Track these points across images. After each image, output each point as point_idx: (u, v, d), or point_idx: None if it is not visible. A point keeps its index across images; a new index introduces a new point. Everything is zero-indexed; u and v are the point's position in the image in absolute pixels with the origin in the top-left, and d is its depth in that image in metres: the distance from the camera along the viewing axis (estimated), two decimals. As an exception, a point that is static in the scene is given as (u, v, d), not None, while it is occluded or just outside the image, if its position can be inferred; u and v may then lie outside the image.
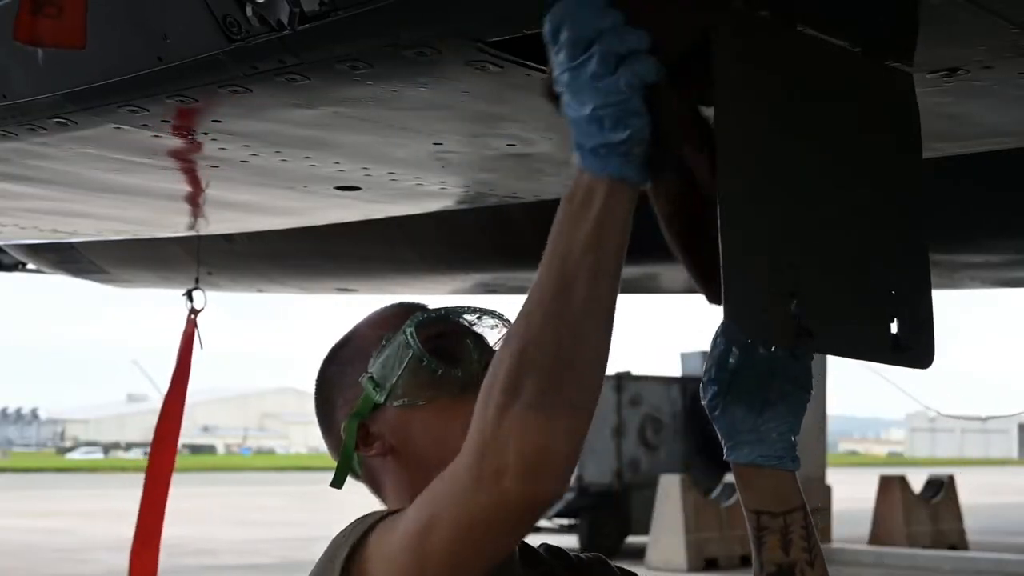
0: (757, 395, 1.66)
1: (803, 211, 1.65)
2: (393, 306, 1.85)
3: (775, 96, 1.66)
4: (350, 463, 1.75)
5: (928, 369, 1.74)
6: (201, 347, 4.86)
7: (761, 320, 1.56)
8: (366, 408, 1.73)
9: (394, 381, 1.72)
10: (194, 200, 3.80)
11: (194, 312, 4.88)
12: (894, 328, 1.70)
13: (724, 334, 1.65)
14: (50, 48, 2.08)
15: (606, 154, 1.38)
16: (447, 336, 1.75)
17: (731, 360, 1.65)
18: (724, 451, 1.71)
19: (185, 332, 4.85)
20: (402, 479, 1.73)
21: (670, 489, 13.77)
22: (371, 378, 1.73)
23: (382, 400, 1.72)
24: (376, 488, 1.78)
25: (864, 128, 1.78)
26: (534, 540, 1.79)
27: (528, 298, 1.40)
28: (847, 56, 1.77)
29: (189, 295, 4.93)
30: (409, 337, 1.73)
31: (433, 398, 1.71)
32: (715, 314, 1.59)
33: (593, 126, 1.37)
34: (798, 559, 1.66)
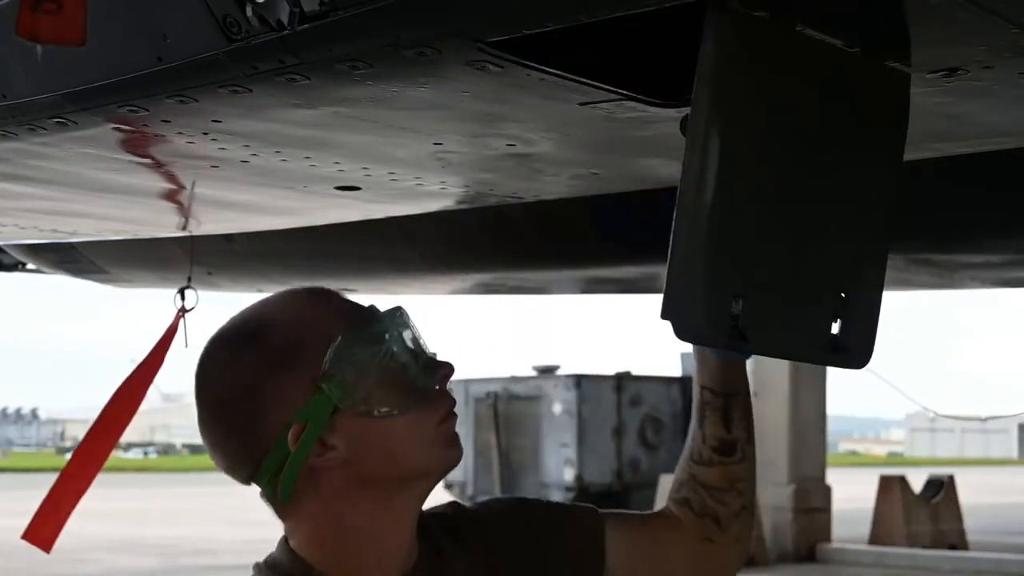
0: None
1: (761, 212, 1.66)
2: (309, 294, 1.65)
3: (749, 95, 1.67)
4: (296, 473, 1.53)
5: (861, 369, 1.76)
6: (186, 346, 4.83)
7: (696, 320, 1.57)
8: (323, 414, 1.53)
9: (367, 387, 1.54)
10: (194, 200, 3.80)
11: (183, 311, 4.86)
12: (835, 329, 1.72)
13: None
14: (49, 44, 2.07)
15: None
16: (420, 342, 1.61)
17: None
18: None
19: (169, 328, 4.82)
20: (337, 496, 1.56)
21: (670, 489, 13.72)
22: (336, 380, 1.53)
23: (342, 406, 1.53)
24: (286, 508, 1.58)
25: (849, 129, 1.78)
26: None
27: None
28: (843, 56, 1.77)
29: (181, 293, 4.92)
30: (399, 340, 1.58)
31: (405, 409, 1.55)
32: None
33: None
34: (739, 437, 1.81)
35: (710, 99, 1.60)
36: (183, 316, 4.78)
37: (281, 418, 1.52)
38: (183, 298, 4.88)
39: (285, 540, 1.61)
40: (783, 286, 1.67)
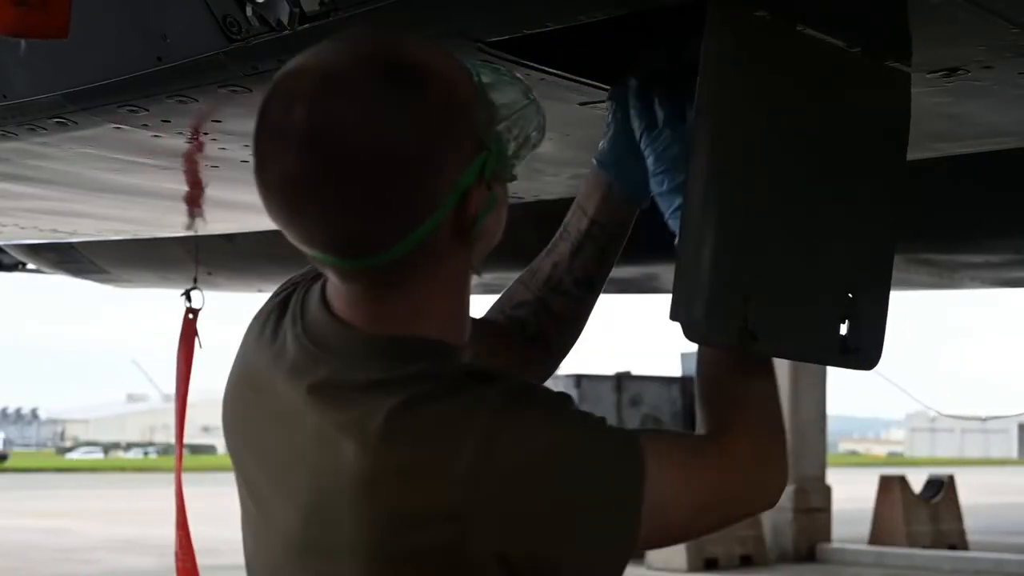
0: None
1: (767, 214, 1.65)
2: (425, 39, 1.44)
3: (751, 95, 1.66)
4: (473, 227, 1.38)
5: (871, 370, 1.76)
6: (200, 347, 4.86)
7: (705, 321, 1.57)
8: (484, 174, 1.38)
9: (514, 150, 1.47)
10: (194, 200, 3.80)
11: (192, 312, 4.87)
12: (844, 330, 1.72)
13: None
14: (34, 39, 2.05)
15: None
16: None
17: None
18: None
19: (184, 332, 4.84)
20: (459, 270, 1.43)
21: (670, 489, 13.72)
22: (495, 140, 1.42)
23: (496, 168, 1.40)
24: (390, 285, 1.40)
25: (852, 129, 1.78)
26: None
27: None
28: (844, 56, 1.77)
29: (187, 295, 4.92)
30: (535, 98, 1.51)
31: (514, 176, 1.48)
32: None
33: None
34: (604, 275, 1.81)
35: (711, 99, 1.60)
36: (194, 316, 4.79)
37: (451, 175, 1.36)
38: (189, 300, 4.88)
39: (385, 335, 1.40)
40: (790, 287, 1.67)
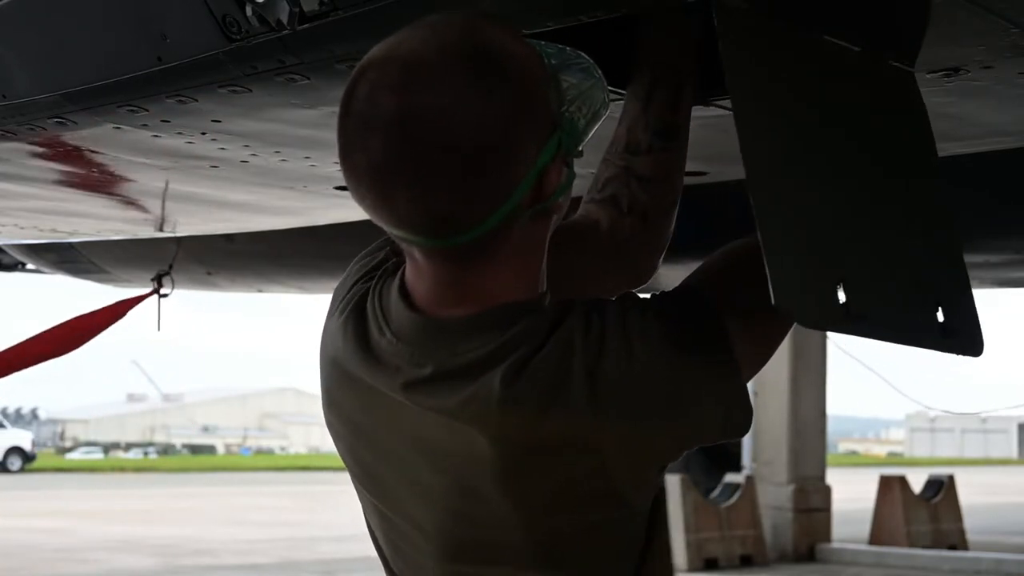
0: None
1: (840, 202, 1.66)
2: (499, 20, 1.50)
3: (791, 92, 1.67)
4: (552, 200, 1.46)
5: (979, 356, 1.74)
6: (158, 329, 4.81)
7: (811, 306, 1.56)
8: (559, 151, 1.45)
9: (583, 126, 1.54)
10: (193, 200, 3.80)
11: (158, 292, 4.83)
12: (940, 316, 1.71)
13: None
14: None
15: None
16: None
17: None
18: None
19: (137, 297, 4.76)
20: (538, 238, 1.49)
21: (670, 489, 13.74)
22: (567, 118, 1.50)
23: (568, 145, 1.48)
24: (481, 257, 1.44)
25: (881, 126, 1.79)
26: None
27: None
28: (848, 56, 1.78)
29: (158, 279, 4.89)
30: (600, 76, 1.57)
31: (581, 152, 1.54)
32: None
33: None
34: (683, 122, 1.78)
35: (744, 101, 1.60)
36: (158, 296, 4.73)
37: (531, 156, 1.42)
38: (159, 284, 4.84)
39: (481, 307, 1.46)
40: (879, 273, 1.67)
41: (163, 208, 3.96)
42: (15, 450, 36.83)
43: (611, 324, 1.43)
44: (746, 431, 1.50)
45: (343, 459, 1.61)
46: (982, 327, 1.75)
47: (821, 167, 1.66)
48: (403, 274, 1.53)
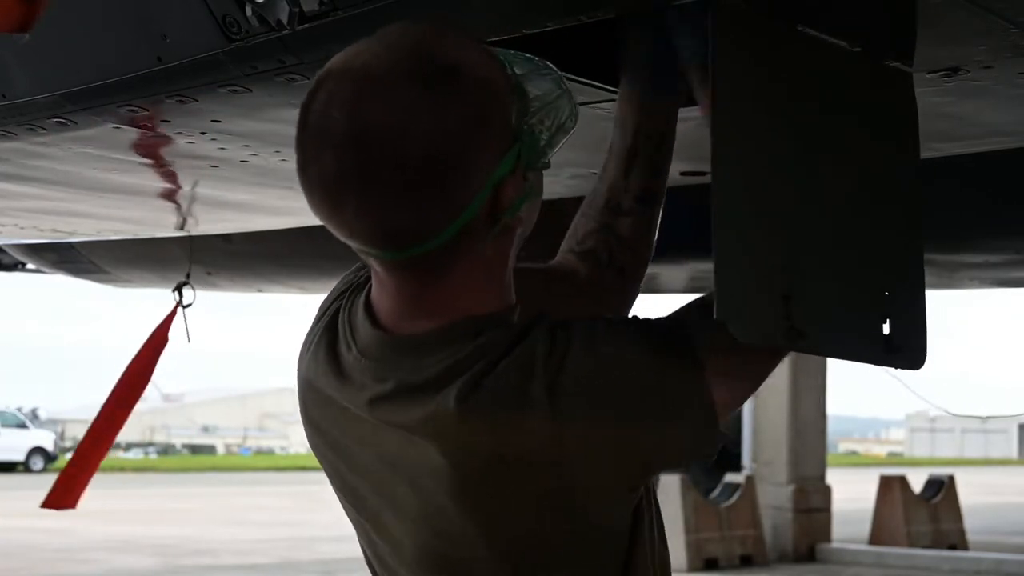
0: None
1: (797, 213, 1.65)
2: (458, 30, 1.49)
3: (773, 95, 1.66)
4: (509, 214, 1.44)
5: (920, 370, 1.74)
6: (189, 340, 4.86)
7: (753, 320, 1.56)
8: (518, 165, 1.43)
9: (547, 139, 1.50)
10: (193, 200, 3.80)
11: (181, 305, 4.88)
12: (886, 329, 1.71)
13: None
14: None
15: None
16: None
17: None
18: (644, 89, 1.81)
19: (167, 317, 4.83)
20: (500, 252, 1.48)
21: (670, 489, 13.75)
22: (528, 130, 1.46)
23: (529, 158, 1.46)
24: (440, 270, 1.44)
25: (863, 129, 1.78)
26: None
27: None
28: (846, 56, 1.77)
29: (179, 290, 4.94)
30: (567, 88, 1.54)
31: (547, 164, 1.52)
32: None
33: None
34: (662, 185, 1.82)
35: (726, 102, 1.59)
36: (182, 308, 4.80)
37: (487, 169, 1.41)
38: (180, 295, 4.90)
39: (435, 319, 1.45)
40: (827, 286, 1.66)
41: (186, 208, 3.96)
42: (38, 450, 36.87)
43: (576, 339, 1.42)
44: (711, 457, 1.47)
45: (328, 478, 1.60)
46: (927, 339, 1.74)
47: (791, 174, 1.65)
48: (369, 289, 1.53)
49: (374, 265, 1.48)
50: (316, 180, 1.41)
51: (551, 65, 1.55)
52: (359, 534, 1.61)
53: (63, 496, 4.82)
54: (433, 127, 1.36)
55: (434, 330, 1.45)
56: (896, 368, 1.73)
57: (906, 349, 1.71)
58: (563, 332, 1.43)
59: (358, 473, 1.53)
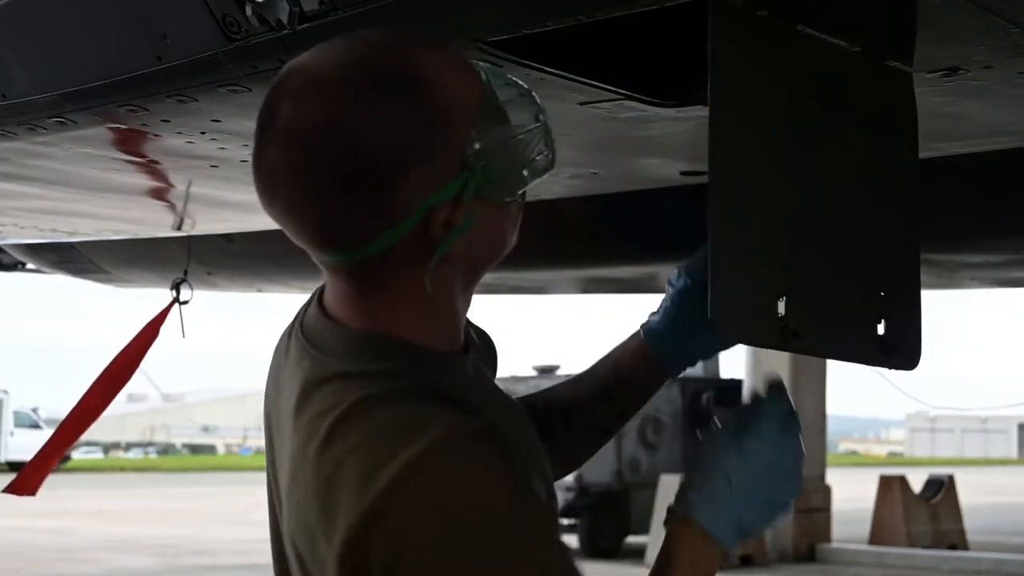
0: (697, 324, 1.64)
1: (795, 212, 1.65)
2: (435, 39, 1.43)
3: (771, 95, 1.66)
4: (444, 243, 1.36)
5: (914, 370, 1.74)
6: (183, 336, 4.85)
7: (747, 321, 1.56)
8: (467, 194, 1.36)
9: (509, 172, 1.40)
10: (190, 200, 3.80)
11: (178, 301, 4.87)
12: (881, 330, 1.71)
13: (687, 271, 1.65)
14: None
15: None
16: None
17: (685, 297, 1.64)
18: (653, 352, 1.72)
19: (162, 311, 4.81)
20: (443, 279, 1.40)
21: (670, 489, 13.76)
22: (483, 160, 1.38)
23: (483, 189, 1.37)
24: (373, 284, 1.41)
25: (861, 129, 1.78)
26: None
27: None
28: (846, 56, 1.77)
29: (176, 287, 4.94)
30: (544, 118, 1.44)
31: (515, 197, 1.43)
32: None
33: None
34: (618, 427, 1.80)
35: (722, 102, 1.59)
36: (178, 304, 4.79)
37: (426, 188, 1.35)
38: (178, 291, 4.89)
39: (355, 328, 1.42)
40: (824, 287, 1.66)
41: (184, 208, 3.96)
42: (47, 451, 36.93)
43: (456, 463, 1.28)
44: None
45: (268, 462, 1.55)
46: (921, 340, 1.74)
47: (789, 174, 1.65)
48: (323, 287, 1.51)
49: (321, 267, 1.46)
50: (259, 173, 1.41)
51: (536, 97, 1.47)
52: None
53: (25, 483, 4.81)
54: (370, 136, 1.33)
55: (356, 331, 1.41)
56: (890, 368, 1.73)
57: (901, 349, 1.72)
58: (462, 442, 1.29)
59: (279, 455, 1.47)
